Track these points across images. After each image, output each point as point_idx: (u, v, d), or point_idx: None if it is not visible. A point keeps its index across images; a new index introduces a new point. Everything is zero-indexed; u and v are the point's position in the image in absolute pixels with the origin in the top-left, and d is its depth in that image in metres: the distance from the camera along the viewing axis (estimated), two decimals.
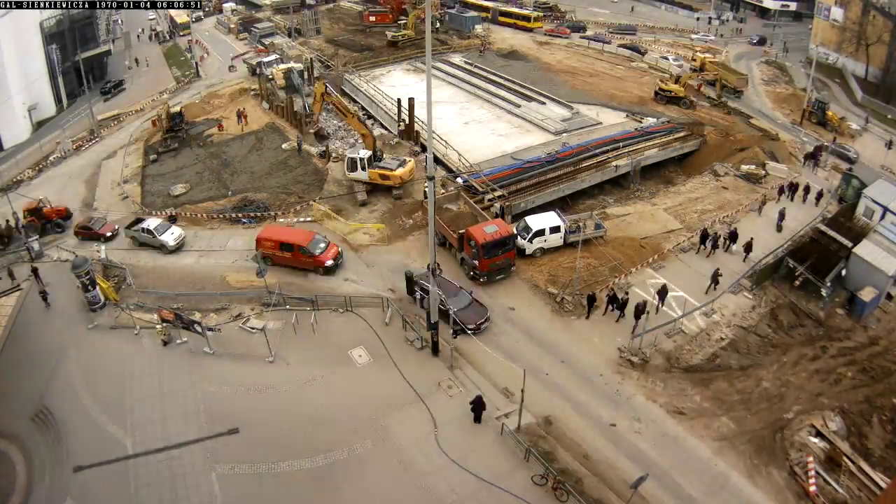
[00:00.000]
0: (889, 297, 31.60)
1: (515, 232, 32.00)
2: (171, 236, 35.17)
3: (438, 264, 24.94)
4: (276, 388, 25.41)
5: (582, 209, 41.02)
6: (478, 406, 23.21)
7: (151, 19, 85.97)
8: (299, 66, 58.33)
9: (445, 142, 44.12)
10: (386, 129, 50.04)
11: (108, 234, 36.62)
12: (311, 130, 48.10)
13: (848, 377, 27.24)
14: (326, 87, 47.85)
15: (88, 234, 36.82)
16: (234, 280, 32.44)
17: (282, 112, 51.97)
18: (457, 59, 65.64)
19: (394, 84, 58.26)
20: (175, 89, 62.64)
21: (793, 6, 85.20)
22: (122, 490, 21.69)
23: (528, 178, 41.15)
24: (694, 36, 77.64)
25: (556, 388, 25.46)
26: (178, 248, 35.30)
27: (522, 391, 22.48)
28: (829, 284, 30.34)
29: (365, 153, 39.57)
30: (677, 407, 24.89)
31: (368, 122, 47.57)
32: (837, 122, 51.73)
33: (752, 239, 33.52)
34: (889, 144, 48.58)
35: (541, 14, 77.77)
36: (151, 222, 36.01)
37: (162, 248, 35.00)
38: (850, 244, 32.07)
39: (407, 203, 38.61)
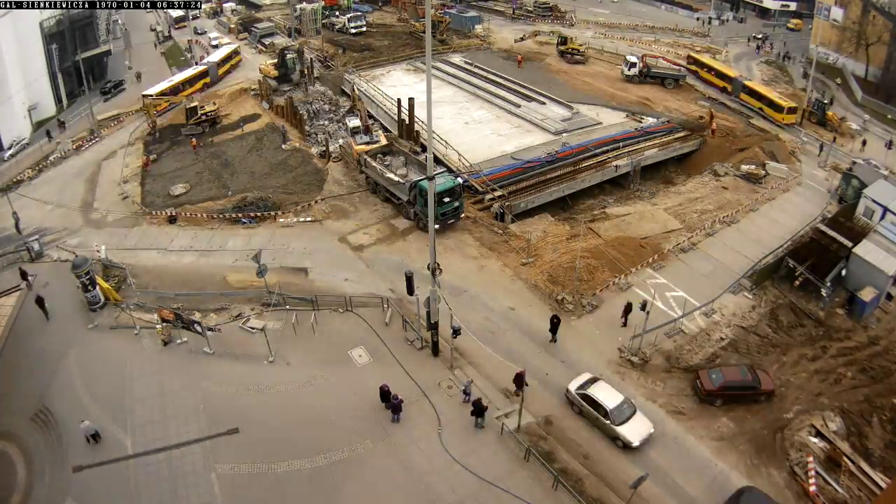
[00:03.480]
0: (889, 297, 31.59)
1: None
2: None
3: (438, 264, 24.94)
4: (276, 388, 25.41)
5: (582, 209, 41.13)
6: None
7: (154, 30, 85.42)
8: (294, 44, 59.88)
9: (445, 142, 44.13)
10: (386, 129, 50.04)
11: None
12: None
13: (848, 377, 27.25)
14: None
15: None
16: (234, 280, 32.45)
17: (282, 112, 51.97)
18: (457, 59, 65.64)
19: (394, 84, 58.28)
20: None
21: (793, 6, 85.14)
22: (122, 490, 21.70)
23: (528, 178, 41.21)
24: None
25: (556, 388, 25.46)
26: None
27: (523, 391, 22.47)
28: (829, 284, 30.33)
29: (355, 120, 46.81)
30: (677, 407, 24.90)
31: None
32: (837, 122, 51.71)
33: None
34: (889, 144, 48.55)
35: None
36: None
37: None
38: (850, 244, 32.05)
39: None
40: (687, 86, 59.04)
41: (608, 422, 23.30)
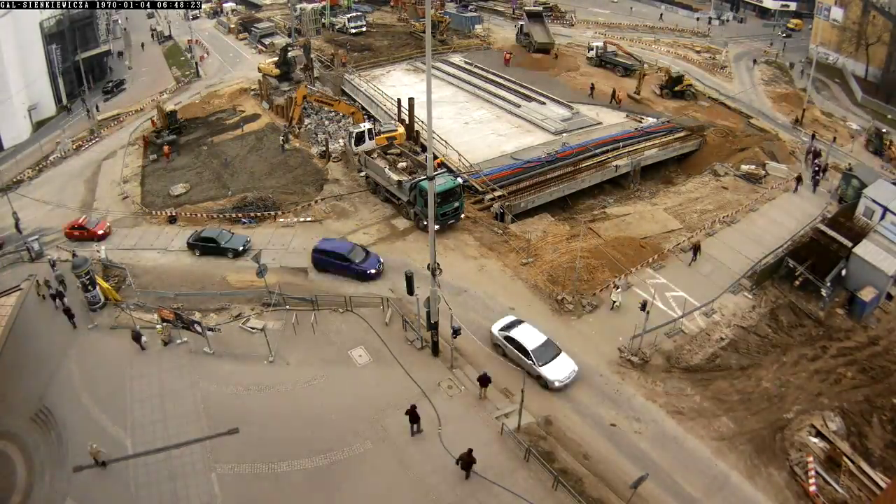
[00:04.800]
0: (889, 297, 31.59)
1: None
2: None
3: (438, 264, 24.93)
4: (276, 388, 25.42)
5: (582, 209, 41.12)
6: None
7: (154, 30, 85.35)
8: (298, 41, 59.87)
9: (445, 142, 44.13)
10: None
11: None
12: (289, 133, 48.18)
13: (848, 377, 27.25)
14: (308, 88, 48.81)
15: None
16: (234, 280, 32.45)
17: (282, 112, 51.96)
18: (457, 59, 65.64)
19: (394, 84, 58.27)
20: (175, 89, 62.61)
21: (793, 6, 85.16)
22: (122, 490, 21.70)
23: (528, 178, 41.19)
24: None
25: (555, 388, 25.44)
26: None
27: (522, 391, 22.48)
28: (829, 284, 30.33)
29: (368, 124, 44.50)
30: (677, 407, 24.90)
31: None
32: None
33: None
34: (889, 144, 48.50)
35: None
36: None
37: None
38: (850, 244, 32.05)
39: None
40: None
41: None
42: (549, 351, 25.68)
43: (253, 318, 29.21)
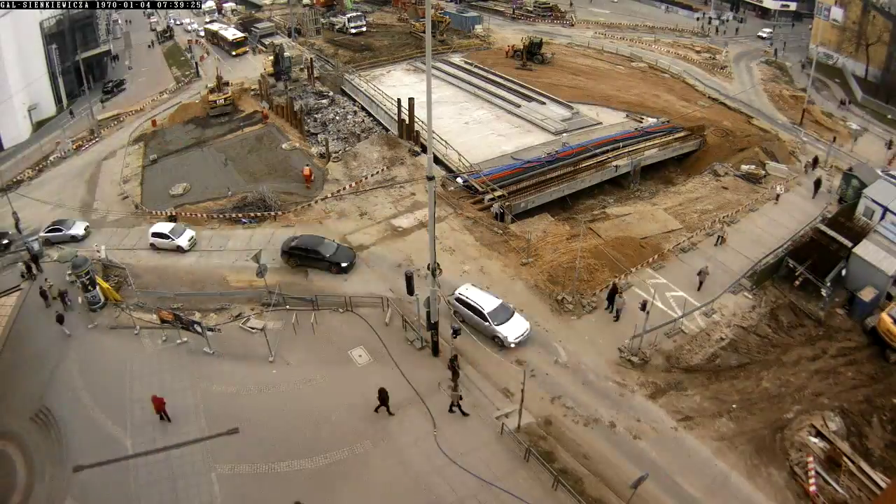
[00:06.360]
0: (889, 297, 31.57)
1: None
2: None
3: (438, 264, 24.94)
4: (276, 388, 25.42)
5: (582, 209, 41.12)
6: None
7: (154, 30, 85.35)
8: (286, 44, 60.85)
9: (445, 142, 44.12)
10: (386, 129, 50.07)
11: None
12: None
13: (848, 377, 27.24)
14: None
15: None
16: (234, 280, 32.45)
17: (281, 112, 51.99)
18: (457, 59, 65.65)
19: (394, 84, 58.28)
20: (175, 89, 62.62)
21: (793, 6, 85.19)
22: (122, 490, 21.71)
23: (528, 178, 41.19)
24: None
25: (556, 388, 25.47)
26: None
27: (522, 391, 22.48)
28: (829, 284, 30.32)
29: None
30: (677, 407, 24.90)
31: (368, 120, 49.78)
32: None
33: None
34: (889, 144, 48.53)
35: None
36: None
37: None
38: (850, 244, 32.06)
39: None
40: (687, 86, 59.37)
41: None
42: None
43: (253, 318, 29.21)
